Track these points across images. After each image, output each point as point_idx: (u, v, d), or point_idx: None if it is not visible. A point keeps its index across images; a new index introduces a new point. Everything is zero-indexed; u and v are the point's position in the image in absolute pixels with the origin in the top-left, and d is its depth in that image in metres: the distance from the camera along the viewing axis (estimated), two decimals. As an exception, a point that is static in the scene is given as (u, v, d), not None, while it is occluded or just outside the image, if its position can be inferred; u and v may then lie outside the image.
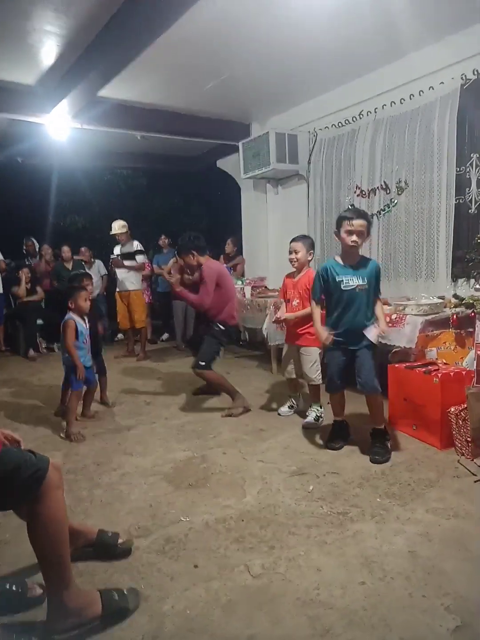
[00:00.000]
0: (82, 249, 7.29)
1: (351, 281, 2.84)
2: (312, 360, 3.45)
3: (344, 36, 3.93)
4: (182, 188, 9.45)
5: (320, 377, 3.45)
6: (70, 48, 4.05)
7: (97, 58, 4.04)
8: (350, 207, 2.79)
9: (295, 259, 3.48)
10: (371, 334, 2.83)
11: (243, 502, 2.41)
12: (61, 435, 3.40)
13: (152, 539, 2.12)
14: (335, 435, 3.11)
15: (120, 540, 2.00)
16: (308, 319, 3.31)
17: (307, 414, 3.53)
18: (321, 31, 3.84)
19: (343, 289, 2.84)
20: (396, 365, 3.26)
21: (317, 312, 3.03)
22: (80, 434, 3.35)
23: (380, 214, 4.69)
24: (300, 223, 5.72)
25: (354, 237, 2.78)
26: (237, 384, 4.04)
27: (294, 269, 3.55)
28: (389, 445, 2.92)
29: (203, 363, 3.79)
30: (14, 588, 1.73)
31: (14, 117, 5.20)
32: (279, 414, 3.72)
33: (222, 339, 3.88)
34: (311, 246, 3.49)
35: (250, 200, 6.63)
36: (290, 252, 3.49)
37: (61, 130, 5.51)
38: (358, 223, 2.77)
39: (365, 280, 2.84)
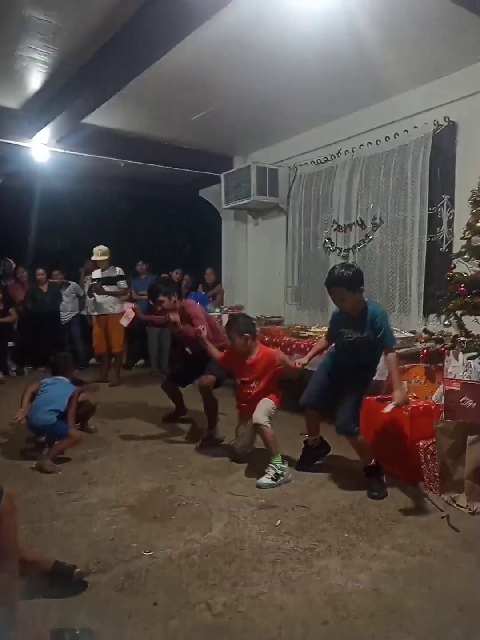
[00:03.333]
0: (55, 272, 7.23)
1: (351, 334, 2.84)
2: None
3: (324, 79, 4.11)
4: (164, 215, 9.52)
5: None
6: (56, 76, 4.12)
7: (83, 87, 4.12)
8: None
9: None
10: (387, 408, 2.62)
11: (208, 536, 2.35)
12: (32, 466, 3.20)
13: (111, 574, 2.04)
14: (303, 457, 3.18)
15: (77, 570, 1.92)
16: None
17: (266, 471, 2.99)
18: (303, 73, 4.01)
19: (344, 340, 2.88)
20: (368, 398, 3.28)
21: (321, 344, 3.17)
22: (54, 466, 3.21)
23: (356, 248, 4.81)
24: (279, 254, 5.82)
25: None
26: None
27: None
28: (384, 480, 2.84)
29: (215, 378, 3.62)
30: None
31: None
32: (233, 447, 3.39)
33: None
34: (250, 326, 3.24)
35: (230, 230, 6.73)
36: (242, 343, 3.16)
37: (44, 154, 5.54)
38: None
39: (365, 333, 2.78)
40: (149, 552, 2.20)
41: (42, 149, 5.37)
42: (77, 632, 1.61)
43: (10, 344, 6.42)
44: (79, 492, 2.84)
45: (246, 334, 3.14)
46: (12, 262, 7.35)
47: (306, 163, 5.39)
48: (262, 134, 5.56)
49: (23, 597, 1.64)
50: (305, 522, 2.49)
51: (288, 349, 4.35)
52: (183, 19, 3.00)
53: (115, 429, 4.09)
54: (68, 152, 5.49)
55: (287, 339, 4.53)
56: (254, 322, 3.30)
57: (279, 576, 2.03)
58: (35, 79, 4.21)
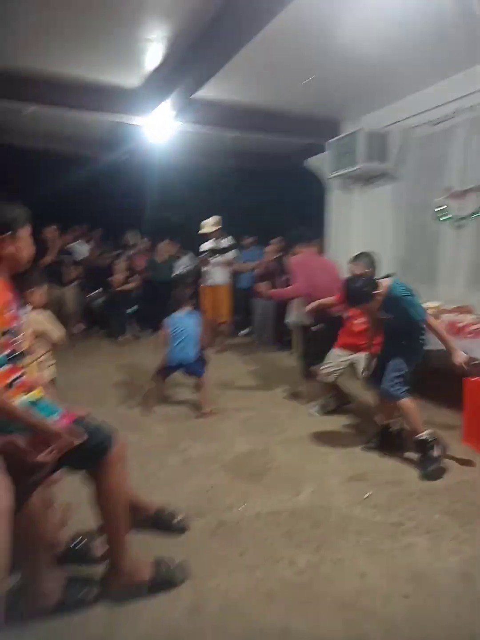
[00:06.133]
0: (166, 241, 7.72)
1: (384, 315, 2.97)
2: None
3: (439, 30, 3.72)
4: (270, 186, 9.53)
5: None
6: (171, 52, 4.29)
7: (196, 60, 4.25)
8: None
9: None
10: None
11: (296, 500, 2.46)
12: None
13: (205, 520, 2.25)
14: (376, 438, 3.08)
15: (176, 519, 2.15)
16: None
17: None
18: (415, 24, 3.67)
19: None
20: (473, 379, 3.08)
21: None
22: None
23: (473, 216, 4.41)
24: (386, 223, 5.55)
25: None
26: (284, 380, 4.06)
27: None
28: (434, 454, 2.72)
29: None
30: (81, 546, 1.94)
31: (117, 119, 5.62)
32: (311, 414, 3.74)
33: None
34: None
35: (336, 199, 6.53)
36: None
37: (159, 132, 5.86)
38: None
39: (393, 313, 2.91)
40: (240, 507, 2.37)
41: (159, 125, 5.68)
42: (175, 564, 1.82)
43: (132, 309, 7.06)
44: (182, 446, 3.12)
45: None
46: (135, 234, 8.01)
47: (418, 125, 4.99)
48: (372, 96, 5.24)
49: (131, 532, 1.88)
50: (395, 497, 2.47)
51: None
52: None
53: (217, 394, 4.34)
54: (185, 123, 5.65)
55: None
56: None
57: (363, 546, 2.07)
58: (153, 58, 4.44)
